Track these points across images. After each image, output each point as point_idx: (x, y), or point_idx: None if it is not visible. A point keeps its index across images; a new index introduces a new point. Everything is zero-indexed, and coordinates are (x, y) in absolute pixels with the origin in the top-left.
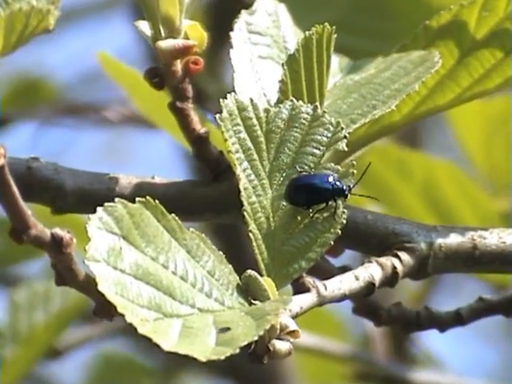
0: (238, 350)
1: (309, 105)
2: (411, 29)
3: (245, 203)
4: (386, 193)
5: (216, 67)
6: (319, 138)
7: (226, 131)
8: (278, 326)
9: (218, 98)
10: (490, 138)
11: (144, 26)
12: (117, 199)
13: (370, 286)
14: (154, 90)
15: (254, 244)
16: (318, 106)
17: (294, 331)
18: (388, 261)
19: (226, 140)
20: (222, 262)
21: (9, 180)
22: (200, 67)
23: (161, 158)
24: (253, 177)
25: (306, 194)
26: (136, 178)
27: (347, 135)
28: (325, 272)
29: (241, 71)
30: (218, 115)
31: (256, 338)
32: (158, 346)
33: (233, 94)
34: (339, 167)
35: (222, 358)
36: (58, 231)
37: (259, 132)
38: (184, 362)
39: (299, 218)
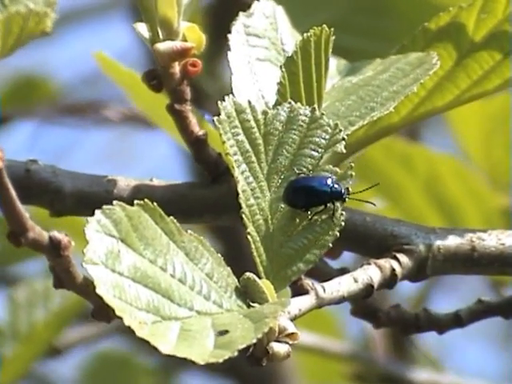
0: (236, 353)
1: (307, 107)
2: (411, 29)
3: (243, 205)
4: (389, 187)
5: (215, 67)
6: (317, 140)
7: (224, 134)
8: (277, 329)
9: (217, 98)
10: (489, 137)
11: (142, 28)
12: (115, 202)
13: (368, 288)
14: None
15: (253, 246)
16: (316, 108)
17: (292, 333)
18: (387, 263)
19: (224, 142)
20: (220, 264)
21: (7, 183)
22: (198, 69)
23: (161, 160)
24: (251, 179)
25: (305, 196)
26: (134, 181)
27: (345, 137)
28: (323, 274)
29: (239, 73)
30: (216, 118)
31: (254, 341)
32: (156, 348)
33: (231, 96)
34: (338, 169)
35: (221, 360)
36: (56, 234)
37: (257, 134)
38: (183, 361)
39: (298, 220)
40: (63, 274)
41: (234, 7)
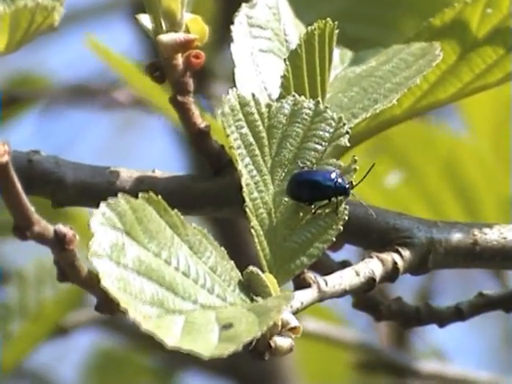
0: (241, 347)
1: (311, 100)
2: (417, 18)
3: (247, 199)
4: (408, 165)
5: (224, 51)
6: (321, 133)
7: (227, 127)
8: (280, 323)
9: (224, 80)
10: (500, 126)
11: (145, 20)
12: (120, 194)
13: (370, 282)
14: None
15: (256, 240)
16: (320, 102)
17: (295, 327)
18: (389, 256)
19: (227, 136)
20: (224, 257)
21: (13, 177)
22: (201, 61)
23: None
24: (255, 172)
25: (309, 189)
26: (137, 172)
27: (349, 130)
28: (325, 267)
29: (242, 65)
30: (219, 111)
31: (259, 335)
32: (160, 343)
33: (234, 89)
34: (341, 163)
35: (226, 354)
36: (61, 228)
37: (261, 127)
38: (183, 360)
39: (301, 213)
40: (68, 268)
41: None
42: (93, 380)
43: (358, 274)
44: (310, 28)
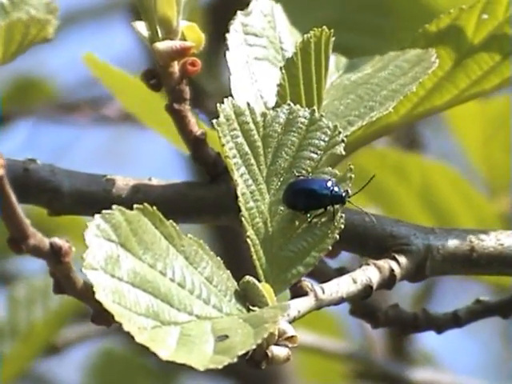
0: (235, 359)
1: (306, 109)
2: (412, 26)
3: (242, 209)
4: (383, 195)
5: (215, 66)
6: (317, 142)
7: (223, 136)
8: (277, 332)
9: (216, 97)
10: (489, 139)
11: (141, 28)
12: (114, 206)
13: (367, 289)
14: (145, 92)
15: (252, 250)
16: (316, 110)
17: (292, 337)
18: (386, 263)
19: (223, 145)
20: (220, 267)
21: (8, 190)
22: (197, 68)
23: (159, 159)
24: (250, 182)
25: (305, 198)
26: (133, 180)
27: (345, 139)
28: (322, 274)
29: (237, 73)
30: (214, 120)
31: (254, 347)
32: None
33: (230, 98)
34: (337, 171)
35: (220, 367)
36: (57, 240)
37: (256, 136)
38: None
39: (297, 222)
40: (63, 280)
41: (234, 5)
42: (94, 381)
43: (355, 282)
44: (305, 36)
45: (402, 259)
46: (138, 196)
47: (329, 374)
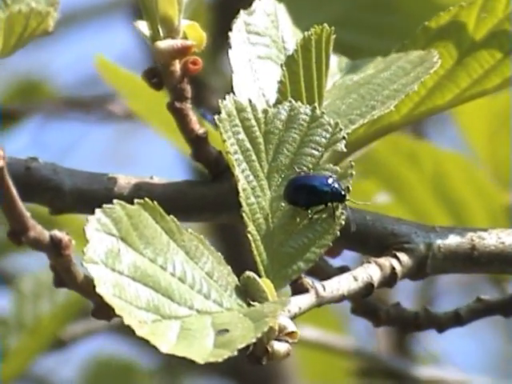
0: (235, 353)
1: (307, 106)
2: (415, 25)
3: (243, 204)
4: (395, 182)
5: (220, 62)
6: (318, 138)
7: (224, 132)
8: (277, 328)
9: (221, 93)
10: (494, 135)
11: (143, 27)
12: (115, 201)
13: (368, 287)
14: (151, 93)
15: (253, 245)
16: (317, 107)
17: (292, 332)
18: (387, 261)
19: (224, 141)
20: (220, 263)
21: (8, 182)
22: (199, 67)
23: (161, 157)
24: (251, 178)
25: (306, 194)
26: (134, 178)
27: (346, 136)
28: (323, 273)
29: (239, 71)
30: (216, 116)
31: (254, 341)
32: (156, 348)
33: (231, 94)
34: (338, 168)
35: (220, 360)
36: (57, 233)
37: (258, 133)
38: (184, 361)
39: (298, 219)
40: (64, 273)
41: (239, 2)
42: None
43: (356, 280)
44: (306, 33)
45: (403, 257)
46: (139, 194)
47: (333, 371)
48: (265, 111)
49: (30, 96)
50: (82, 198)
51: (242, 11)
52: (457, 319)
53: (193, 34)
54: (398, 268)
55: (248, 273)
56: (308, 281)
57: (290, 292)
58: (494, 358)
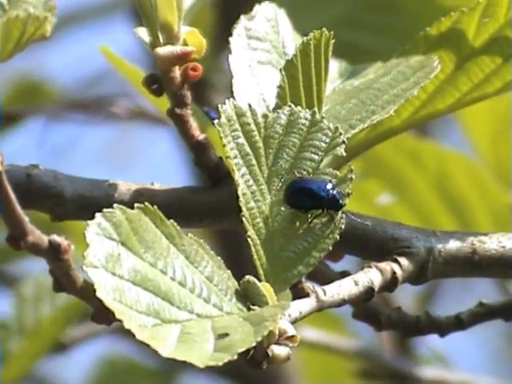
0: (235, 356)
1: (307, 110)
2: (418, 25)
3: (243, 209)
4: (399, 182)
5: (223, 62)
6: (317, 143)
7: (224, 137)
8: (277, 331)
9: (225, 92)
10: (498, 135)
11: (142, 33)
12: (115, 205)
13: (369, 291)
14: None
15: (253, 249)
16: (317, 112)
17: (292, 336)
18: (387, 266)
19: (224, 146)
20: (220, 267)
21: (7, 187)
22: (199, 73)
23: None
24: (251, 182)
25: (306, 197)
26: (135, 185)
27: (346, 140)
28: (324, 277)
29: (240, 76)
30: (216, 121)
31: (254, 344)
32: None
33: (231, 99)
34: (337, 172)
35: (220, 364)
36: (56, 238)
37: (257, 137)
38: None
39: (298, 223)
40: (63, 278)
41: (243, 2)
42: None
43: (356, 284)
44: (305, 38)
45: (404, 261)
46: (140, 200)
47: (335, 372)
48: (265, 116)
49: (31, 97)
50: (82, 205)
51: (242, 16)
52: (458, 323)
53: (193, 40)
54: (399, 272)
55: (248, 277)
56: (309, 285)
57: (291, 296)
58: (497, 358)
